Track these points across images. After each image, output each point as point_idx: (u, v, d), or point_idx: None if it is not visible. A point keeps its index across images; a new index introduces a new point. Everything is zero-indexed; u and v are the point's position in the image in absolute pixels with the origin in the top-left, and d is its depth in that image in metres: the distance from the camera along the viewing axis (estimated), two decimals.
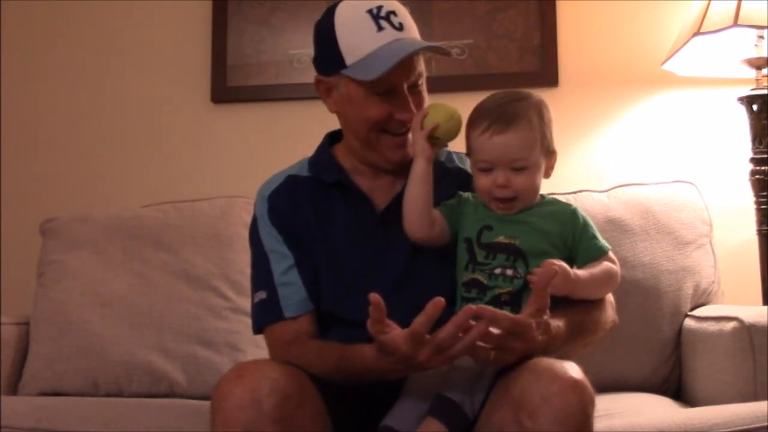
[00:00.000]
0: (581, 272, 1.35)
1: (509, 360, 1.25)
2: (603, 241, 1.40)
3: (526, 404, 1.17)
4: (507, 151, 1.34)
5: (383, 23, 1.41)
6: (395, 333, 1.24)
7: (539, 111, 1.38)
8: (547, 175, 1.41)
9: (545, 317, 1.27)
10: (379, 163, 1.51)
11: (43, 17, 2.64)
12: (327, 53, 1.46)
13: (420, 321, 1.22)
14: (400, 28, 1.42)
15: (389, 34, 1.41)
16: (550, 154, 1.39)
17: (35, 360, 2.05)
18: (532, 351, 1.26)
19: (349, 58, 1.42)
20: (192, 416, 1.67)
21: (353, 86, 1.44)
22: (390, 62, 1.38)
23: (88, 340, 2.04)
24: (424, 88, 1.49)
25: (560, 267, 1.30)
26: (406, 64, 1.41)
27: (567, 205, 1.42)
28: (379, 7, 1.42)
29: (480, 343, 1.23)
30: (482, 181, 1.37)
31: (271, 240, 1.51)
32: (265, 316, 1.50)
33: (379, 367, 1.29)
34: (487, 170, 1.36)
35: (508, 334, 1.23)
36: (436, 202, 1.46)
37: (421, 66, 1.46)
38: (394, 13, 1.43)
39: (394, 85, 1.43)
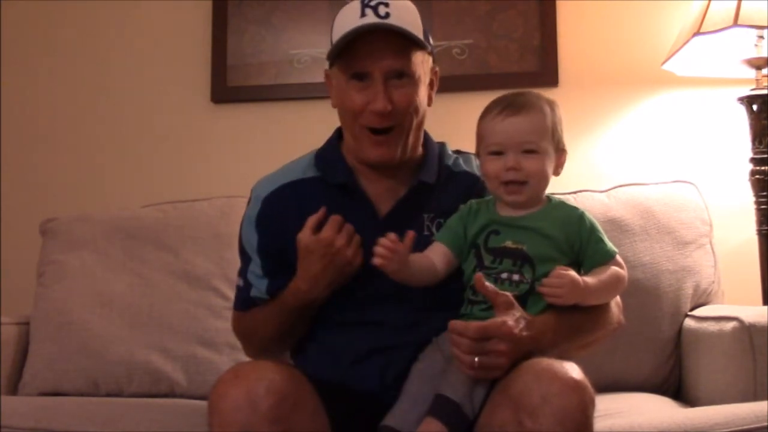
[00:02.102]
0: (590, 279, 1.34)
1: (502, 363, 1.25)
2: (610, 245, 1.39)
3: (526, 404, 1.17)
4: (518, 133, 1.35)
5: (367, 11, 1.41)
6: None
7: (551, 105, 1.40)
8: (557, 173, 1.41)
9: (518, 313, 1.28)
10: (364, 160, 1.49)
11: (43, 17, 2.64)
12: (330, 44, 1.47)
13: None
14: (384, 17, 1.40)
15: (368, 20, 1.40)
16: (560, 150, 1.40)
17: (35, 360, 2.05)
18: (523, 349, 1.26)
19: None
20: (192, 416, 1.66)
21: (337, 72, 1.47)
22: (339, 36, 1.40)
23: (88, 340, 2.04)
24: (413, 88, 1.44)
25: (569, 277, 1.30)
26: (379, 50, 1.41)
27: (574, 209, 1.41)
28: None
29: (458, 353, 1.24)
30: (492, 166, 1.37)
31: (248, 245, 1.54)
32: (238, 301, 1.58)
33: (305, 276, 1.40)
34: (497, 153, 1.37)
35: (482, 339, 1.24)
36: (445, 209, 1.46)
37: (409, 61, 1.43)
38: (385, 3, 1.42)
39: (365, 70, 1.42)
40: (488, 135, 1.38)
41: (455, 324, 1.26)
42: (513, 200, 1.37)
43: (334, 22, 1.47)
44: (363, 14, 1.41)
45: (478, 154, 1.43)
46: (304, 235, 1.42)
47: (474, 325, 1.25)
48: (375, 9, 1.41)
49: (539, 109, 1.37)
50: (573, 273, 1.31)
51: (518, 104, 1.37)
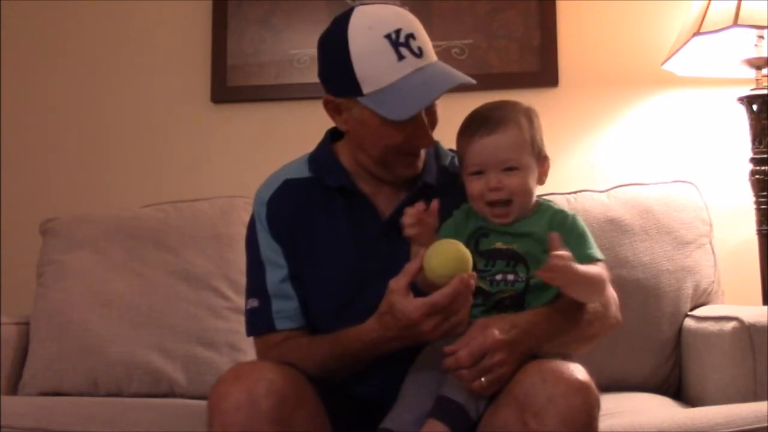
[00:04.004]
0: (580, 266, 1.32)
1: (507, 371, 1.25)
2: (593, 250, 1.35)
3: (531, 405, 1.17)
4: (496, 152, 1.33)
5: (403, 51, 1.34)
6: (411, 298, 1.25)
7: (528, 116, 1.38)
8: (541, 181, 1.39)
9: (496, 322, 1.27)
10: (386, 178, 1.47)
11: (43, 17, 2.64)
12: (340, 76, 1.38)
13: (444, 293, 1.22)
14: (419, 54, 1.35)
15: (410, 63, 1.34)
16: (542, 159, 1.38)
17: (35, 360, 2.05)
18: (520, 348, 1.26)
19: (367, 87, 1.35)
20: (192, 416, 1.66)
21: (368, 112, 1.37)
22: (417, 105, 1.33)
23: (88, 340, 2.04)
24: (437, 109, 1.43)
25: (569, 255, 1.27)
26: None
27: (559, 211, 1.38)
28: (398, 31, 1.34)
29: (467, 384, 1.24)
30: (474, 186, 1.35)
31: (268, 249, 1.48)
32: (256, 325, 1.48)
33: (376, 337, 1.30)
34: (477, 174, 1.35)
35: (478, 361, 1.24)
36: (444, 209, 1.43)
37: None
38: (412, 36, 1.36)
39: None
40: (467, 155, 1.37)
41: (447, 363, 1.26)
42: (501, 222, 1.35)
43: (354, 57, 1.35)
44: (400, 56, 1.34)
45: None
46: (398, 296, 1.26)
47: (463, 353, 1.24)
48: (408, 45, 1.35)
49: (515, 124, 1.34)
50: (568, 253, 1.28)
51: (494, 121, 1.34)
